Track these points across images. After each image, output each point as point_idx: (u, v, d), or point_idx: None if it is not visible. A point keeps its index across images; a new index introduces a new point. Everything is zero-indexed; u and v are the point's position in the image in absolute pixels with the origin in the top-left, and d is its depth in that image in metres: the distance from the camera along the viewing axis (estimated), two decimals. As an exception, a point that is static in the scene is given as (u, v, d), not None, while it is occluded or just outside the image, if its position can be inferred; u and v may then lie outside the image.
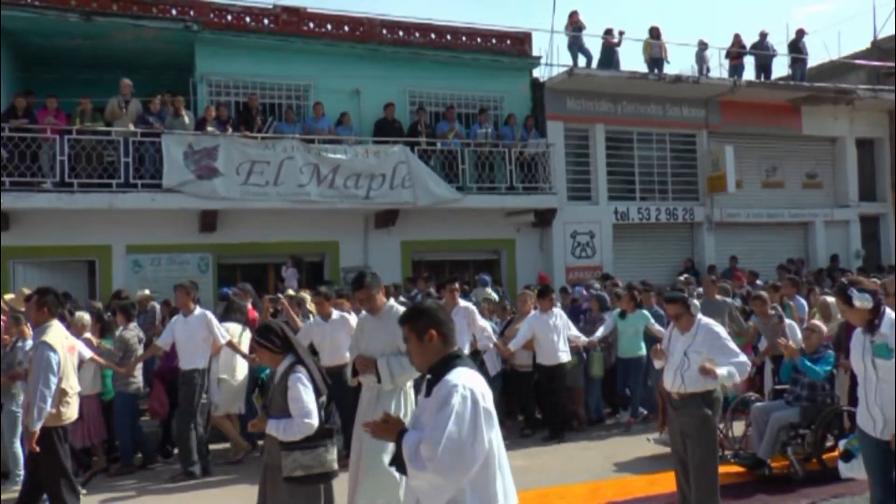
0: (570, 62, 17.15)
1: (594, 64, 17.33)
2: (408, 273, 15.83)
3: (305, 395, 4.56)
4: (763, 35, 19.31)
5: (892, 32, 22.10)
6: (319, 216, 14.66)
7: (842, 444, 5.23)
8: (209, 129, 13.52)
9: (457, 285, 9.65)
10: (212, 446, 9.17)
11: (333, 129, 14.96)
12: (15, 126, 12.45)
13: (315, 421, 4.56)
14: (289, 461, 4.51)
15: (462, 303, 9.41)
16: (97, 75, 13.99)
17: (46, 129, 12.69)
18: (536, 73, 17.81)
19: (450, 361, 3.15)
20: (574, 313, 11.47)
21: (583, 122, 17.65)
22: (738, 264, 17.70)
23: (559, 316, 10.02)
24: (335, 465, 4.71)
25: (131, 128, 13.02)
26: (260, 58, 15.13)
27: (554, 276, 16.34)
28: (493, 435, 3.04)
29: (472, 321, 9.24)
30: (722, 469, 7.54)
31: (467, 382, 3.01)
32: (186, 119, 13.70)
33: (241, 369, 9.16)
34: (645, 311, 10.67)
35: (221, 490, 7.98)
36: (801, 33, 19.72)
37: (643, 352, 10.44)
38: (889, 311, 4.69)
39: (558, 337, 9.89)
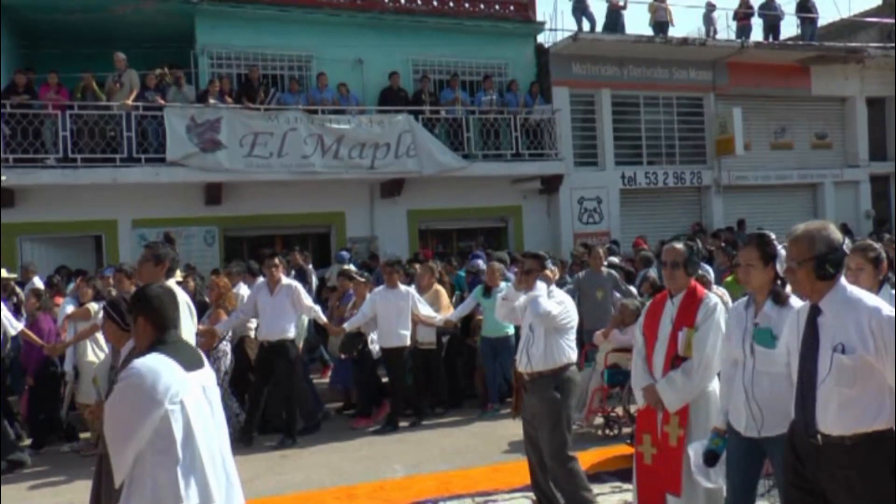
0: (574, 27, 16.98)
1: (599, 28, 17.15)
2: (415, 242, 15.81)
3: None
4: (771, -6, 19.02)
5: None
6: (325, 187, 14.60)
7: (697, 446, 4.23)
8: (211, 101, 13.45)
9: (277, 260, 8.86)
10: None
11: (337, 99, 14.86)
12: (17, 103, 12.41)
13: None
14: None
15: (285, 280, 8.75)
16: (98, 50, 13.88)
17: (48, 104, 12.66)
18: (541, 38, 17.65)
19: (151, 348, 3.17)
20: (471, 285, 10.56)
21: (588, 88, 17.45)
22: (747, 226, 17.61)
23: (407, 294, 9.23)
24: None
25: (130, 102, 12.96)
26: (261, 29, 15.00)
27: (562, 242, 16.29)
28: (168, 423, 2.97)
29: (297, 299, 8.61)
30: (617, 450, 7.39)
31: (143, 367, 3.01)
32: (188, 92, 13.63)
33: (93, 357, 8.55)
34: (511, 286, 10.06)
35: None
36: (809, -8, 19.42)
37: (511, 330, 9.40)
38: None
39: (401, 317, 9.11)
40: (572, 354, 5.53)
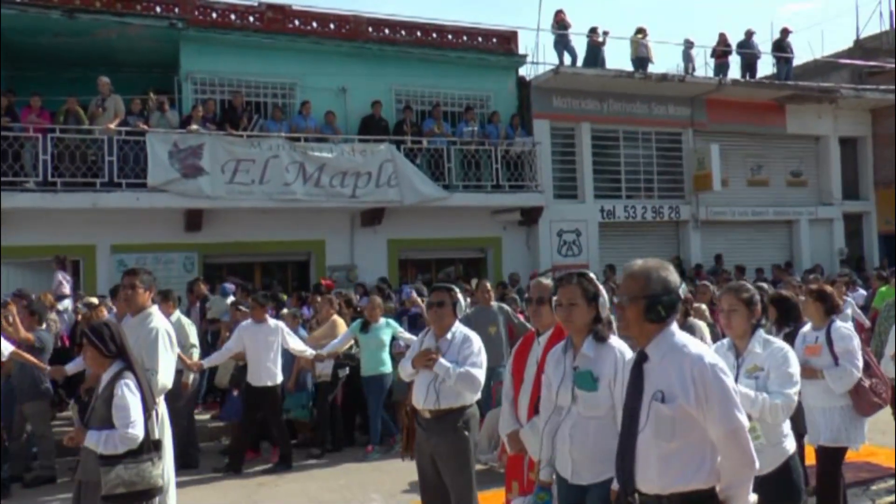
0: (556, 60, 17.20)
1: (580, 62, 17.38)
2: (394, 271, 15.83)
3: (132, 404, 4.23)
4: (749, 34, 19.40)
5: (875, 31, 22.30)
6: (305, 215, 14.61)
7: (520, 502, 4.07)
8: (194, 127, 13.45)
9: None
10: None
11: (320, 128, 14.91)
12: (-3, 125, 12.35)
13: (140, 432, 4.22)
14: (110, 477, 4.13)
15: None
16: (82, 73, 13.87)
17: (29, 127, 12.59)
18: (523, 71, 17.85)
19: None
20: (400, 317, 10.59)
21: (569, 121, 17.67)
22: (724, 262, 17.81)
23: (276, 329, 8.74)
24: (160, 481, 4.36)
25: (113, 126, 12.92)
26: (245, 56, 15.05)
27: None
28: None
29: None
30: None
31: None
32: (171, 117, 13.63)
33: None
34: (391, 321, 9.58)
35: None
36: (785, 32, 19.84)
37: (387, 369, 9.22)
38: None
39: (270, 352, 8.65)
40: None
